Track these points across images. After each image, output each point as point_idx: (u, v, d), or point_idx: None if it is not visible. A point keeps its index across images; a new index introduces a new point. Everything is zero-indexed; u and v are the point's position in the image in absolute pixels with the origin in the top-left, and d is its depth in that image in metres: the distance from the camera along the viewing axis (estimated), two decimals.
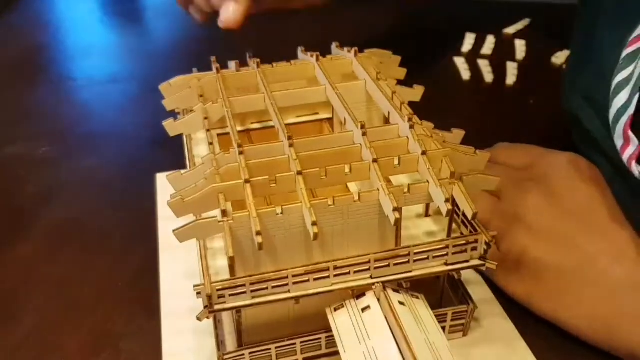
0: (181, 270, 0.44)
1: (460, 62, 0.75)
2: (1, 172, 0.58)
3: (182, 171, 0.36)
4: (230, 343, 0.38)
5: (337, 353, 0.36)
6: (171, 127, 0.41)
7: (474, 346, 0.39)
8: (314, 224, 0.31)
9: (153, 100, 0.63)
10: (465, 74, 0.73)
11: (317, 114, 0.47)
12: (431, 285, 0.38)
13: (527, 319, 0.40)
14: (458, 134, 0.38)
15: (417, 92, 0.43)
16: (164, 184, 0.53)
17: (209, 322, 0.39)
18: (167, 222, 0.49)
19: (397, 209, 0.31)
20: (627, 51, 0.43)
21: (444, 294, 0.39)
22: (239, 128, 0.45)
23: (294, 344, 0.36)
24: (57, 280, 0.45)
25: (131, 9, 0.97)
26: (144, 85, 0.71)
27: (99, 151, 0.60)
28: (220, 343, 0.37)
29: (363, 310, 0.34)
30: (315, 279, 0.33)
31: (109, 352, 0.39)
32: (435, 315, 0.37)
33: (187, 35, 0.87)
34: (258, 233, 0.30)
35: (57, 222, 0.50)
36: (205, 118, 0.40)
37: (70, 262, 0.46)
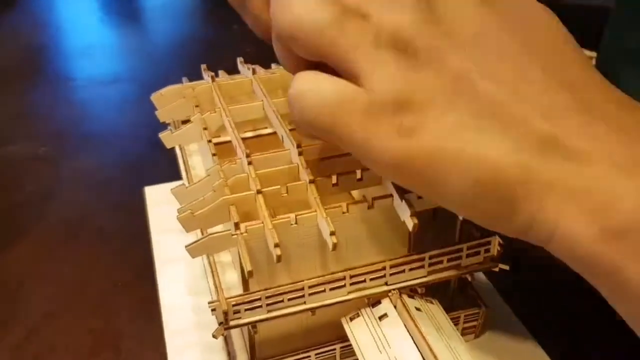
0: (181, 285, 0.43)
1: None
2: (1, 172, 0.58)
3: (187, 184, 0.35)
4: (243, 358, 0.37)
5: None
6: (168, 139, 0.40)
7: (487, 347, 0.39)
8: (332, 233, 0.30)
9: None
10: None
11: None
12: (442, 288, 0.38)
13: (535, 319, 0.40)
14: None
15: None
16: (154, 198, 0.52)
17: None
18: (161, 235, 0.48)
19: (414, 214, 0.30)
20: None
21: (454, 297, 0.39)
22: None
23: (309, 355, 0.36)
24: (56, 280, 0.44)
25: (131, 9, 0.98)
26: (144, 85, 0.70)
27: (99, 151, 0.60)
28: (231, 359, 0.36)
29: (380, 318, 0.33)
30: (331, 289, 0.32)
31: (109, 352, 0.39)
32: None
33: (187, 35, 0.87)
34: (276, 245, 0.29)
35: (57, 222, 0.51)
36: (205, 128, 0.38)
37: (69, 262, 0.46)
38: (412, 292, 0.35)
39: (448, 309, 0.38)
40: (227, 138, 0.43)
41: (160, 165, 0.54)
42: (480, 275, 0.43)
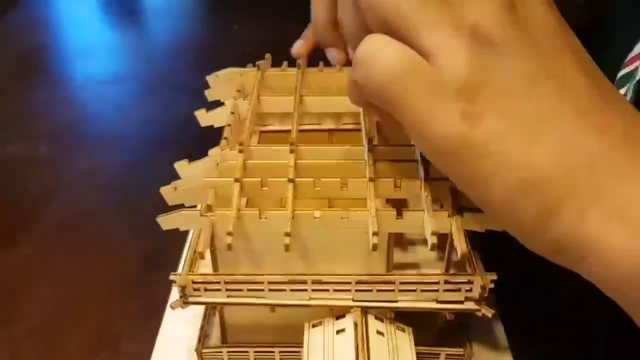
0: None
1: None
2: (1, 172, 0.57)
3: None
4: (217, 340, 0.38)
5: None
6: (202, 117, 0.42)
7: None
8: (287, 234, 0.30)
9: (153, 100, 0.64)
10: None
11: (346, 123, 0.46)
12: (430, 318, 0.36)
13: None
14: None
15: None
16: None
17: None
18: None
19: (376, 233, 0.29)
20: (622, 72, 0.39)
21: (442, 332, 0.37)
22: (277, 127, 0.45)
23: (273, 352, 0.36)
24: (57, 280, 0.45)
25: (131, 9, 0.97)
26: (144, 85, 0.72)
27: (99, 151, 0.60)
28: (204, 337, 0.37)
29: (338, 332, 0.33)
30: (292, 290, 0.32)
31: (109, 352, 0.39)
32: (427, 353, 0.35)
33: (187, 35, 0.87)
34: (229, 233, 0.30)
35: (57, 222, 0.50)
36: (232, 113, 0.40)
37: (70, 262, 0.46)
38: (382, 315, 0.33)
39: (434, 342, 0.36)
40: (275, 127, 0.44)
41: (161, 165, 0.52)
42: None
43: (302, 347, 0.35)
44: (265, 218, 0.31)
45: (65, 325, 0.41)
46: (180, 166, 0.36)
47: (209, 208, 0.32)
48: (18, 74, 0.76)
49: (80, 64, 0.80)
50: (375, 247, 0.30)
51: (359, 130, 0.45)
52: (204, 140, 0.56)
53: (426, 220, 0.30)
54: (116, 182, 0.55)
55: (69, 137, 0.62)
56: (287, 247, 0.30)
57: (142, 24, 0.96)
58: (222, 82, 0.45)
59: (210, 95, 0.45)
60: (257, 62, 0.44)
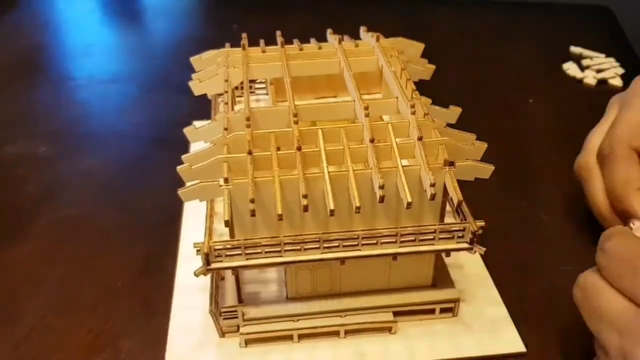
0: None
1: None
2: (1, 172, 0.57)
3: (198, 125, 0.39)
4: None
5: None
6: (196, 86, 0.44)
7: (463, 326, 0.40)
8: (304, 196, 0.33)
9: (152, 99, 0.65)
10: None
11: (335, 96, 0.49)
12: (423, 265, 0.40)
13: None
14: (454, 111, 0.40)
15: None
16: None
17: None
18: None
19: (382, 187, 0.33)
20: None
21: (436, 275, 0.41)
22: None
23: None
24: (57, 280, 0.45)
25: (131, 8, 0.98)
26: (144, 85, 0.72)
27: (99, 151, 0.60)
28: (214, 301, 0.39)
29: None
30: (305, 249, 0.36)
31: (109, 351, 0.39)
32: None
33: (186, 35, 0.87)
34: (252, 200, 0.33)
35: (57, 222, 0.50)
36: (226, 80, 0.42)
37: (70, 262, 0.46)
38: None
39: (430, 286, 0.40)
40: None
41: (160, 164, 0.54)
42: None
43: None
44: (280, 183, 0.34)
45: (65, 325, 0.41)
46: (190, 131, 0.39)
47: (226, 180, 0.34)
48: (18, 74, 0.75)
49: (80, 64, 0.80)
50: (382, 199, 0.33)
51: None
52: None
53: (424, 174, 0.34)
54: (116, 181, 0.55)
55: (68, 137, 0.62)
56: (305, 208, 0.33)
57: (141, 23, 0.95)
58: (207, 63, 0.47)
59: (198, 76, 0.47)
60: (242, 42, 0.46)
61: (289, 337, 0.39)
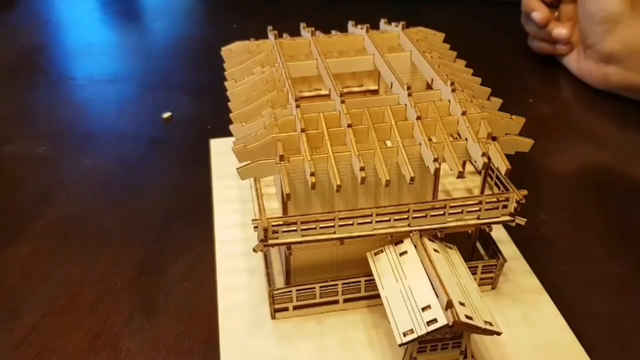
0: (233, 220, 0.49)
1: None
2: (1, 172, 0.57)
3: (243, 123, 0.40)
4: (279, 283, 0.42)
5: (374, 297, 0.39)
6: (232, 87, 0.45)
7: (502, 299, 0.42)
8: (361, 169, 0.34)
9: (152, 99, 0.64)
10: None
11: (362, 85, 0.51)
12: (463, 240, 0.41)
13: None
14: (496, 101, 0.42)
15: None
16: (216, 149, 0.58)
17: (257, 266, 0.43)
18: (220, 181, 0.53)
19: (437, 160, 0.34)
20: None
21: (474, 251, 0.42)
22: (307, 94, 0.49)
23: (336, 285, 0.40)
24: (56, 280, 0.45)
25: (131, 8, 0.98)
26: (143, 84, 0.72)
27: (98, 150, 0.60)
28: (270, 281, 0.41)
29: (401, 254, 0.37)
30: (358, 223, 0.37)
31: (109, 351, 0.39)
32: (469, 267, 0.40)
33: (186, 35, 0.88)
34: (312, 174, 0.34)
35: (57, 222, 0.50)
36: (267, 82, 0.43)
37: (70, 262, 0.46)
38: (434, 237, 0.39)
39: (467, 260, 0.41)
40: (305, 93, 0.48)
41: (160, 164, 0.54)
42: (502, 232, 0.46)
43: (361, 277, 0.40)
44: (334, 160, 0.35)
45: (65, 325, 0.41)
46: (236, 128, 0.39)
47: (282, 157, 0.35)
48: (17, 73, 0.75)
49: (80, 64, 0.80)
50: (437, 172, 0.35)
51: (365, 92, 0.50)
52: (205, 140, 0.58)
53: (473, 147, 0.36)
54: (115, 181, 0.55)
55: (68, 136, 0.63)
56: (363, 180, 0.34)
57: (141, 23, 0.96)
58: (237, 55, 0.48)
59: (229, 67, 0.48)
60: (270, 31, 0.47)
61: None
